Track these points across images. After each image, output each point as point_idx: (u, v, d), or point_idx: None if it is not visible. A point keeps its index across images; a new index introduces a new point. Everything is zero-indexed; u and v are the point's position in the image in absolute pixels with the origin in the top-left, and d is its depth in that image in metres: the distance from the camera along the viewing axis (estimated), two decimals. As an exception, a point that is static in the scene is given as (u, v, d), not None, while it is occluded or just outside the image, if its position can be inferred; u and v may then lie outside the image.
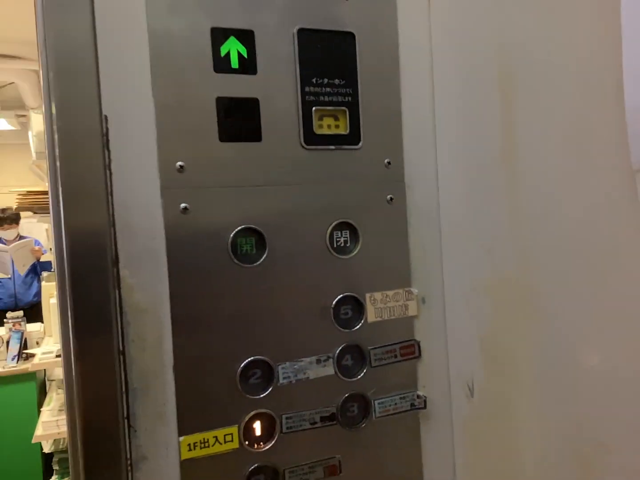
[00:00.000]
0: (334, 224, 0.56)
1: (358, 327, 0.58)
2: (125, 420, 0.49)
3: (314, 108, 0.55)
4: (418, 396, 0.60)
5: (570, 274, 0.45)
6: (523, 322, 0.51)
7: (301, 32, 0.54)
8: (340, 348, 0.57)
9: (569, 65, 0.44)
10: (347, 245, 0.57)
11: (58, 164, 0.46)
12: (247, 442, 0.53)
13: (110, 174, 0.49)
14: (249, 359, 0.53)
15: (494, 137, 0.52)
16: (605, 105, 0.40)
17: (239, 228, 0.53)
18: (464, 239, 0.57)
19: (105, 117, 0.48)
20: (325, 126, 0.56)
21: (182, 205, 0.51)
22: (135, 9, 0.49)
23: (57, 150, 0.46)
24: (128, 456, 0.50)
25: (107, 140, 0.48)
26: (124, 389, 0.49)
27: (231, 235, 0.52)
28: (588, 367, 0.44)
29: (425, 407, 0.60)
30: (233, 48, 0.52)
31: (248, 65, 0.53)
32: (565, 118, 0.44)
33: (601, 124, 0.40)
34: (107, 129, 0.48)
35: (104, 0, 0.48)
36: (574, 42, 0.43)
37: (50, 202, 0.48)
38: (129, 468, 0.50)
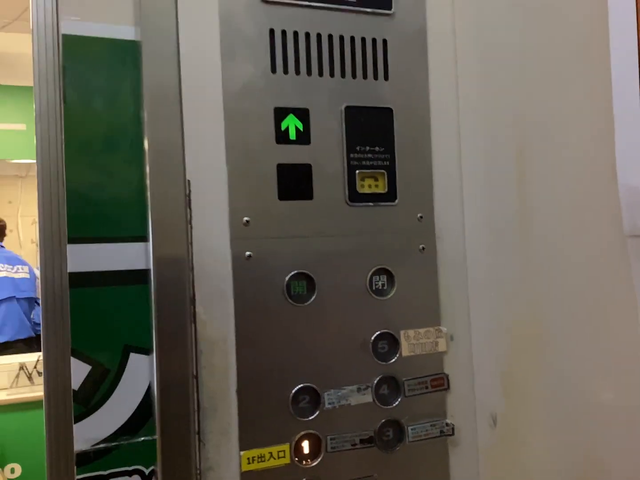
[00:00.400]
0: (373, 270, 0.66)
1: (393, 360, 0.66)
2: (197, 435, 0.59)
3: (357, 171, 0.65)
4: (447, 424, 0.68)
5: (576, 319, 0.53)
6: (537, 360, 0.59)
7: (347, 108, 0.65)
8: (378, 378, 0.65)
9: (573, 146, 0.53)
10: (385, 288, 0.66)
11: (150, 218, 0.57)
12: (296, 459, 0.62)
13: (191, 227, 0.59)
14: (300, 386, 0.62)
15: (512, 201, 0.61)
16: (603, 181, 0.48)
17: (293, 272, 0.62)
18: (488, 286, 0.66)
19: (189, 181, 0.59)
20: (367, 186, 0.66)
21: (247, 253, 0.61)
22: (214, 93, 0.60)
23: (149, 209, 0.57)
24: (198, 466, 0.58)
25: (190, 200, 0.59)
26: (196, 408, 0.59)
27: (286, 278, 0.62)
28: (593, 400, 0.52)
29: (453, 434, 0.68)
30: (291, 123, 0.63)
31: (303, 137, 0.63)
32: (570, 189, 0.52)
33: (599, 196, 0.49)
34: (189, 191, 0.59)
35: (188, 90, 0.59)
36: (579, 128, 0.52)
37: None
38: (198, 477, 0.58)
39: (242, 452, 0.60)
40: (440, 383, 0.68)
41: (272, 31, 0.62)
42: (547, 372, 0.58)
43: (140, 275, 0.58)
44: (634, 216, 0.43)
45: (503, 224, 0.62)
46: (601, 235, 0.48)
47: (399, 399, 0.66)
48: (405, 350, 0.66)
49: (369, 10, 0.66)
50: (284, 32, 0.63)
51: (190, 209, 0.59)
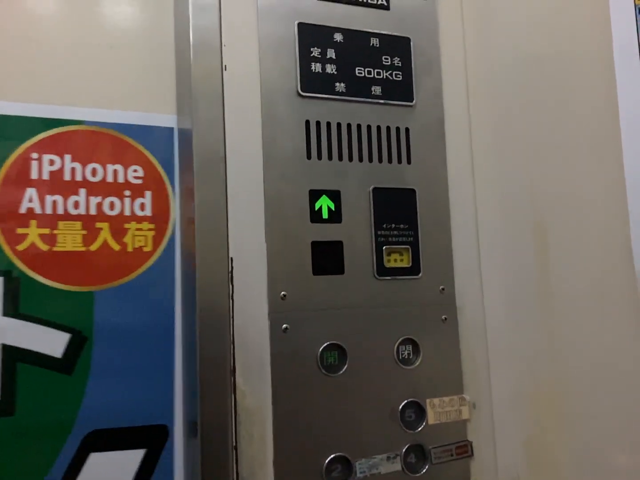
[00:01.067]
0: (400, 340, 0.69)
1: (420, 428, 0.69)
2: (236, 505, 0.60)
3: (384, 247, 0.70)
4: (472, 492, 0.70)
5: (598, 391, 0.57)
6: (560, 427, 0.62)
7: (375, 190, 0.70)
8: (406, 447, 0.68)
9: (590, 221, 0.59)
10: (410, 357, 0.70)
11: (198, 295, 0.61)
12: (330, 528, 0.63)
13: (233, 302, 0.63)
14: (332, 455, 0.64)
15: (531, 275, 0.66)
16: (620, 253, 0.53)
17: (326, 344, 0.66)
18: (509, 356, 0.70)
19: (231, 258, 0.63)
20: (392, 260, 0.71)
21: (284, 326, 0.65)
22: (255, 177, 0.66)
23: (197, 285, 0.61)
24: (235, 536, 0.60)
25: (232, 277, 0.63)
26: (235, 478, 0.61)
27: (320, 349, 0.66)
28: (616, 466, 0.55)
29: (478, 502, 0.70)
30: (324, 204, 0.68)
31: (335, 216, 0.68)
32: (588, 262, 0.58)
33: (617, 269, 0.54)
34: (232, 267, 0.63)
35: (233, 173, 0.64)
36: (594, 203, 0.58)
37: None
38: None
39: (278, 522, 0.61)
40: (465, 450, 0.71)
41: (307, 122, 0.69)
42: (570, 441, 0.61)
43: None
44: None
45: (523, 297, 0.67)
46: (621, 308, 0.53)
47: (427, 467, 0.68)
48: (431, 418, 0.69)
49: (393, 102, 0.73)
50: (317, 123, 0.69)
51: (232, 284, 0.63)
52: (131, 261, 0.67)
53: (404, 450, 0.68)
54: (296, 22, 0.69)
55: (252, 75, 0.67)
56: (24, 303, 0.63)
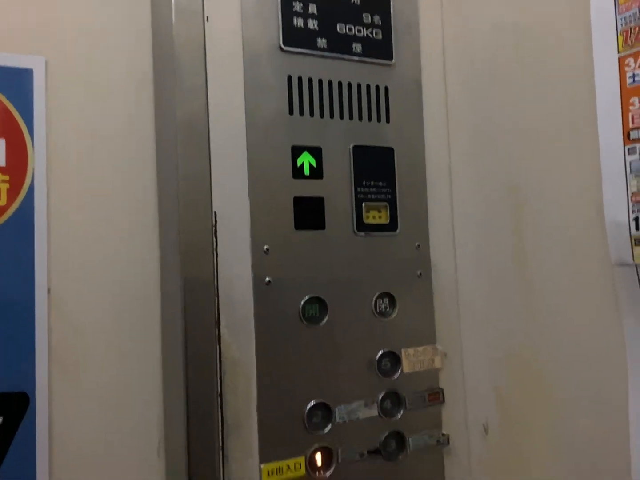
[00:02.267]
0: (377, 293, 0.72)
1: (396, 376, 0.72)
2: (221, 450, 0.62)
3: (363, 203, 0.72)
4: (442, 434, 0.74)
5: (568, 344, 0.61)
6: (532, 380, 0.67)
7: (355, 147, 0.72)
8: (383, 394, 0.71)
9: (565, 187, 0.62)
10: (387, 310, 0.73)
11: (179, 247, 0.61)
12: (311, 470, 0.66)
13: (217, 255, 0.64)
14: (313, 402, 0.67)
15: (505, 232, 0.69)
16: (591, 218, 0.57)
17: (307, 297, 0.68)
18: (481, 310, 0.73)
19: (215, 212, 0.64)
20: (371, 217, 0.72)
21: (267, 279, 0.66)
22: (238, 132, 0.66)
23: (179, 238, 0.61)
24: (222, 479, 0.62)
25: (216, 230, 0.64)
26: (220, 425, 0.62)
27: (301, 302, 0.67)
28: (585, 416, 0.59)
29: (448, 443, 0.74)
30: (306, 160, 0.69)
31: (316, 173, 0.69)
32: (562, 227, 0.61)
33: (587, 231, 0.57)
34: (215, 221, 0.64)
35: (216, 129, 0.64)
36: (570, 172, 0.61)
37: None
38: (222, 489, 0.62)
39: (262, 466, 0.64)
40: (437, 397, 0.75)
41: (289, 77, 0.69)
42: (541, 392, 0.65)
43: None
44: (619, 248, 0.51)
45: (497, 255, 0.71)
46: (591, 268, 0.57)
47: (401, 412, 0.72)
48: (406, 367, 0.73)
49: (373, 60, 0.73)
50: (299, 78, 0.69)
51: (216, 237, 0.64)
52: None
53: (380, 396, 0.71)
54: (278, -27, 0.68)
55: (234, 28, 0.66)
56: None
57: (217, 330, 0.63)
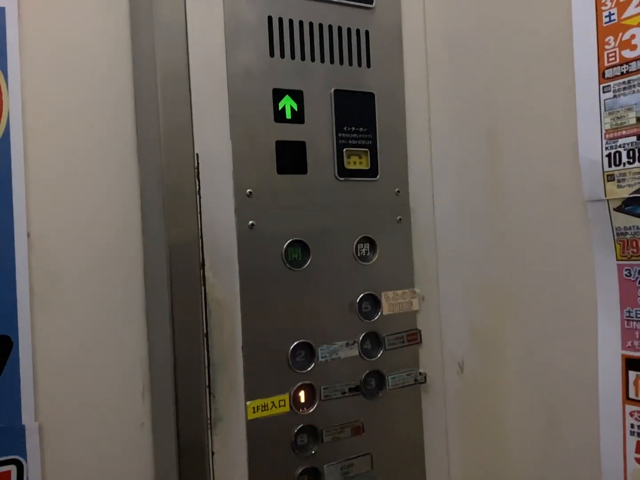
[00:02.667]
0: (358, 238, 0.73)
1: (376, 318, 0.74)
2: (207, 388, 0.64)
3: (344, 149, 0.72)
4: (420, 373, 0.77)
5: (543, 281, 0.63)
6: (506, 316, 0.70)
7: (336, 92, 0.72)
8: (363, 335, 0.73)
9: (541, 128, 0.63)
10: (368, 254, 0.74)
11: (163, 190, 0.61)
12: (295, 407, 0.68)
13: (200, 197, 0.64)
14: (297, 342, 0.69)
15: (483, 177, 0.70)
16: (565, 156, 0.59)
17: (289, 240, 0.69)
18: (458, 253, 0.75)
19: (197, 154, 0.64)
20: (352, 163, 0.73)
21: (250, 222, 0.67)
22: (219, 75, 0.65)
23: (163, 181, 0.61)
24: (208, 416, 0.64)
25: (198, 172, 0.64)
26: (207, 364, 0.64)
27: (284, 245, 0.68)
28: (556, 349, 0.63)
29: (425, 381, 0.77)
30: (287, 104, 0.69)
31: (298, 117, 0.69)
32: (538, 165, 0.63)
33: (562, 169, 0.59)
34: (198, 164, 0.64)
35: (196, 71, 0.63)
36: (545, 112, 0.63)
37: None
38: (209, 425, 0.64)
39: (247, 403, 0.66)
40: (414, 337, 0.77)
41: (270, 18, 0.68)
42: (516, 327, 0.68)
43: None
44: (591, 184, 0.53)
45: (475, 200, 0.72)
46: (566, 201, 0.59)
47: (381, 352, 0.74)
48: (385, 309, 0.75)
49: (353, 3, 0.73)
50: (280, 20, 0.68)
51: (198, 180, 0.64)
52: None
53: (361, 337, 0.73)
54: None
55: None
56: None
57: (201, 271, 0.64)
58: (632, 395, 0.54)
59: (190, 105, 0.63)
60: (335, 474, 0.71)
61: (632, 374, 0.54)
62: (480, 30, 0.72)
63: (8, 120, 0.65)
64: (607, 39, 0.52)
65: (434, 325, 0.79)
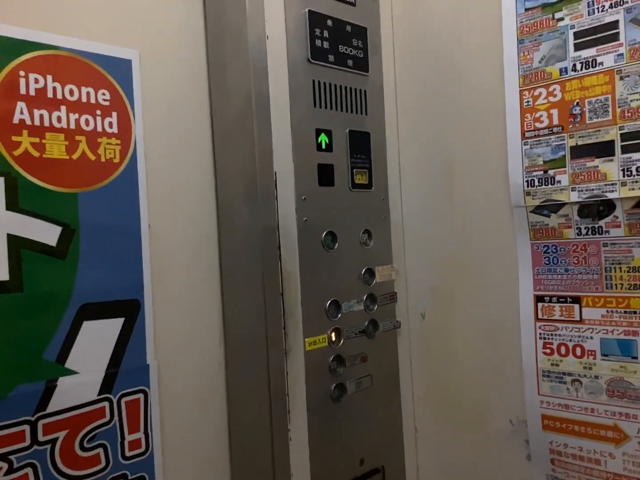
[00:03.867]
0: (362, 230, 1.09)
1: (373, 284, 1.10)
2: (283, 329, 0.95)
3: (354, 169, 1.07)
4: (397, 321, 1.15)
5: (483, 254, 1.05)
6: (456, 278, 1.10)
7: (350, 131, 1.07)
8: (366, 295, 1.09)
9: (483, 161, 1.05)
10: (367, 241, 1.10)
11: (259, 196, 0.91)
12: (330, 342, 1.02)
13: (277, 201, 0.94)
14: (330, 300, 1.02)
15: (441, 190, 1.11)
16: (500, 180, 1.01)
17: (326, 231, 1.02)
18: (423, 238, 1.15)
19: (276, 172, 0.94)
20: (358, 179, 1.09)
21: (304, 218, 0.99)
22: (285, 119, 0.96)
23: (259, 190, 0.91)
24: (284, 347, 0.95)
25: (276, 184, 0.94)
26: (283, 313, 0.95)
27: (323, 234, 1.01)
28: (492, 294, 1.05)
29: (400, 327, 1.15)
30: (323, 139, 1.02)
31: (329, 147, 1.03)
32: (481, 182, 1.04)
33: (498, 187, 1.01)
34: (276, 178, 0.94)
35: (275, 118, 0.94)
36: (485, 152, 1.05)
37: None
38: (285, 355, 0.95)
39: (305, 339, 0.98)
40: (393, 297, 1.15)
41: (314, 81, 1.01)
42: (466, 286, 1.09)
43: (252, 231, 0.93)
44: (517, 197, 0.96)
45: (434, 203, 1.12)
46: (499, 208, 1.01)
47: (376, 307, 1.10)
48: (378, 278, 1.11)
49: (358, 72, 1.08)
50: (320, 82, 1.02)
51: (276, 188, 0.95)
52: (104, 169, 0.85)
53: (365, 297, 1.09)
54: (306, 10, 0.99)
55: (282, 46, 0.96)
56: (22, 200, 0.76)
57: (279, 251, 0.95)
58: (540, 316, 0.97)
59: (271, 137, 0.94)
60: (352, 387, 1.05)
61: (540, 305, 0.97)
62: (439, 92, 1.13)
63: (135, 143, 0.90)
64: (526, 115, 0.95)
65: (403, 288, 1.17)
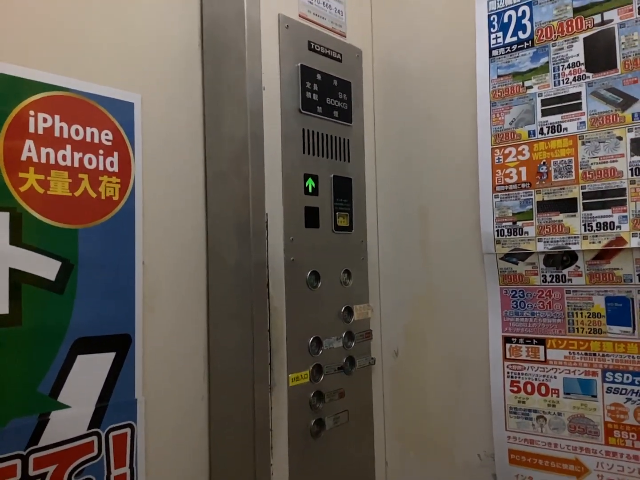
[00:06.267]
0: (342, 270, 1.15)
1: (351, 322, 1.15)
2: (269, 365, 0.98)
3: (337, 213, 1.14)
4: (372, 358, 1.20)
5: (454, 296, 1.13)
6: (428, 318, 1.17)
7: (334, 177, 1.13)
8: (344, 333, 1.14)
9: (455, 208, 1.14)
10: (347, 280, 1.16)
11: (251, 239, 0.96)
12: (311, 378, 1.06)
13: (267, 240, 0.99)
14: (313, 336, 1.07)
15: (416, 233, 1.18)
16: (471, 228, 1.09)
17: (310, 270, 1.07)
18: (396, 278, 1.22)
19: (267, 214, 0.99)
20: (340, 221, 1.15)
21: (291, 258, 1.04)
22: (277, 163, 1.02)
23: (251, 231, 0.96)
24: (269, 383, 0.98)
25: (267, 225, 0.99)
26: (269, 349, 0.98)
27: (308, 273, 1.06)
28: (462, 335, 1.12)
29: (374, 363, 1.21)
30: (310, 183, 1.08)
31: (315, 191, 1.09)
32: (453, 228, 1.13)
33: (469, 234, 1.10)
34: (267, 219, 0.99)
35: (268, 170, 1.00)
36: (458, 200, 1.13)
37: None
38: (270, 388, 0.98)
39: (289, 375, 1.01)
40: (369, 335, 1.20)
41: (304, 129, 1.07)
42: (436, 325, 1.16)
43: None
44: (487, 244, 1.04)
45: (409, 245, 1.20)
46: (471, 254, 1.09)
47: (353, 344, 1.16)
48: (355, 316, 1.17)
49: (343, 122, 1.16)
50: (309, 130, 1.08)
51: (267, 230, 0.99)
52: (104, 207, 0.89)
53: (343, 334, 1.14)
54: (299, 64, 1.07)
55: (276, 96, 1.03)
56: (26, 235, 0.78)
57: (267, 288, 0.99)
58: (508, 356, 1.05)
59: (264, 181, 0.99)
60: (331, 422, 1.09)
61: (507, 345, 1.05)
62: (415, 142, 1.21)
63: (134, 182, 0.93)
64: (497, 171, 1.05)
65: (377, 326, 1.23)
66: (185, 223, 1.01)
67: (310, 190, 1.08)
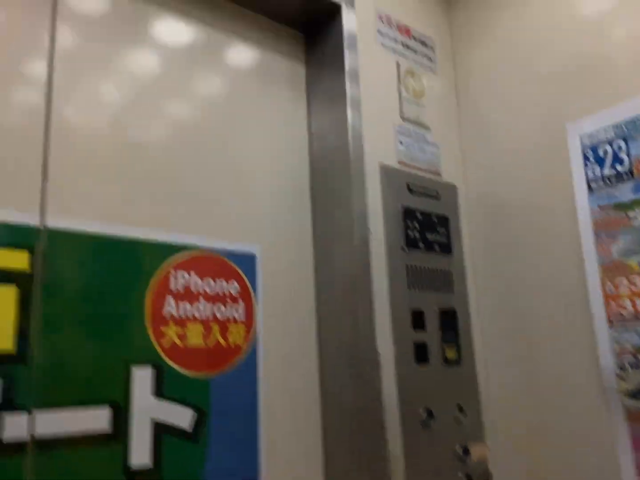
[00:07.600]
0: (455, 405, 1.12)
1: (466, 462, 1.11)
2: None
3: (444, 345, 1.14)
4: None
5: (577, 438, 1.07)
6: (549, 459, 1.11)
7: (441, 311, 1.15)
8: (464, 474, 1.09)
9: (572, 346, 1.11)
10: (460, 417, 1.13)
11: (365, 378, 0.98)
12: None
13: (382, 380, 1.00)
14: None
15: (525, 366, 1.16)
16: (589, 364, 1.06)
17: (423, 407, 1.06)
18: (512, 416, 1.18)
19: (379, 353, 1.01)
20: (448, 354, 1.15)
21: (404, 398, 1.04)
22: (385, 299, 1.06)
23: (363, 370, 0.98)
24: None
25: (379, 365, 1.01)
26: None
27: (421, 412, 1.05)
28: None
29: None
30: (417, 318, 1.11)
31: (422, 326, 1.11)
32: (567, 362, 1.10)
33: (583, 367, 1.06)
34: (379, 358, 1.01)
35: (377, 294, 1.04)
36: (562, 328, 1.11)
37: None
38: None
39: None
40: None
41: (407, 266, 1.12)
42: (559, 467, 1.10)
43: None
44: (608, 379, 1.00)
45: (521, 383, 1.17)
46: (588, 389, 1.05)
47: None
48: (473, 457, 1.12)
49: (444, 254, 1.20)
50: (413, 266, 1.12)
51: (379, 370, 1.01)
52: (231, 354, 0.93)
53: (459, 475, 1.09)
54: (400, 205, 1.14)
55: (382, 236, 1.09)
56: (167, 387, 0.84)
57: (383, 432, 0.98)
58: None
59: (374, 320, 1.02)
60: None
61: None
62: (514, 272, 1.22)
63: (256, 329, 0.99)
64: (609, 301, 1.03)
65: (497, 469, 1.18)
66: (303, 364, 1.05)
67: (417, 325, 1.10)
